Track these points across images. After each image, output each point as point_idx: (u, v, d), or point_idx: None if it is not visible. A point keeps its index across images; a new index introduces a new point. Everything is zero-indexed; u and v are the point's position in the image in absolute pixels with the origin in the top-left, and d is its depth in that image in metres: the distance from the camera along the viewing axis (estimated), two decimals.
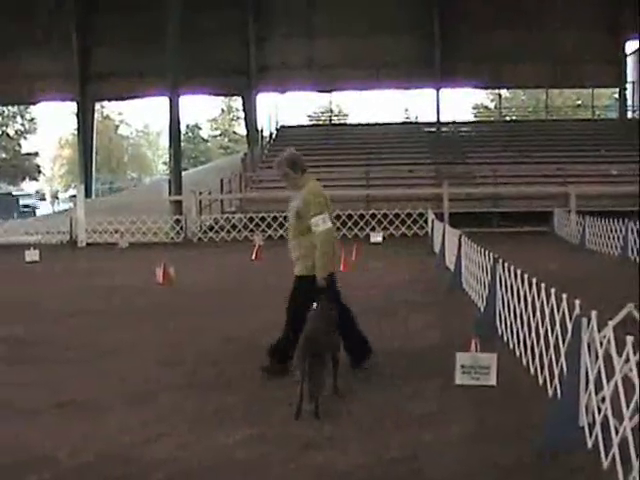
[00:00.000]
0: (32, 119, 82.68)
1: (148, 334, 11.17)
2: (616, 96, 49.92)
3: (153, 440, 6.48)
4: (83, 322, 12.29)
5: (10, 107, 76.89)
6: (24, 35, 44.77)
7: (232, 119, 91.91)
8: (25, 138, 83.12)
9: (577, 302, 6.33)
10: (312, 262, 8.21)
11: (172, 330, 11.43)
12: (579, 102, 67.37)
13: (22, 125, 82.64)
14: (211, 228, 31.31)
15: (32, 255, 23.31)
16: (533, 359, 8.12)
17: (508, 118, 56.52)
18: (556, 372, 7.12)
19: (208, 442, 6.42)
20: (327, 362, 7.20)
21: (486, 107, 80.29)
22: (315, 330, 7.20)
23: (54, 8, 44.83)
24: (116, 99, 55.85)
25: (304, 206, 8.36)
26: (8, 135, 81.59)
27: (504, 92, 69.18)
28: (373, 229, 29.02)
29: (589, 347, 5.92)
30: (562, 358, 6.82)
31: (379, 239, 27.46)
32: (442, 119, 45.97)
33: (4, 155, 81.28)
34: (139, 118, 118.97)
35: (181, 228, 30.55)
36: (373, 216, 29.95)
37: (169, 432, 6.68)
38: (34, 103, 58.82)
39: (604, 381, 5.74)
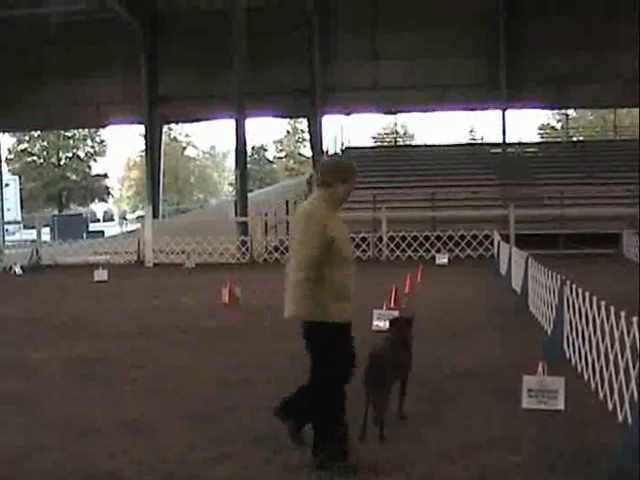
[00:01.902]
0: (102, 141, 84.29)
1: (212, 354, 11.22)
2: None
3: (217, 460, 6.48)
4: (147, 341, 12.42)
5: (80, 130, 78.52)
6: (93, 60, 45.76)
7: (297, 141, 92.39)
8: (95, 160, 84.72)
9: None
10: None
11: (235, 351, 11.46)
12: None
13: (92, 147, 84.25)
14: (276, 249, 31.41)
15: (100, 275, 23.67)
16: (602, 383, 7.96)
17: (575, 138, 55.78)
18: (626, 397, 6.97)
19: (273, 463, 6.40)
20: (392, 384, 7.10)
21: (553, 127, 79.42)
22: (382, 350, 7.11)
23: (122, 33, 45.76)
24: (183, 121, 56.62)
25: None
26: (79, 157, 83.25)
27: (571, 112, 68.40)
28: (439, 251, 28.83)
29: None
30: (632, 382, 6.66)
31: (445, 261, 27.27)
32: (508, 140, 45.58)
33: (75, 177, 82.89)
34: (206, 140, 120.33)
35: (247, 249, 30.72)
36: (438, 238, 29.76)
37: (233, 453, 6.68)
38: (104, 126, 59.96)
39: None
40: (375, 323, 12.50)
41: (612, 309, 7.66)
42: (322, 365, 6.32)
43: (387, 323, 7.68)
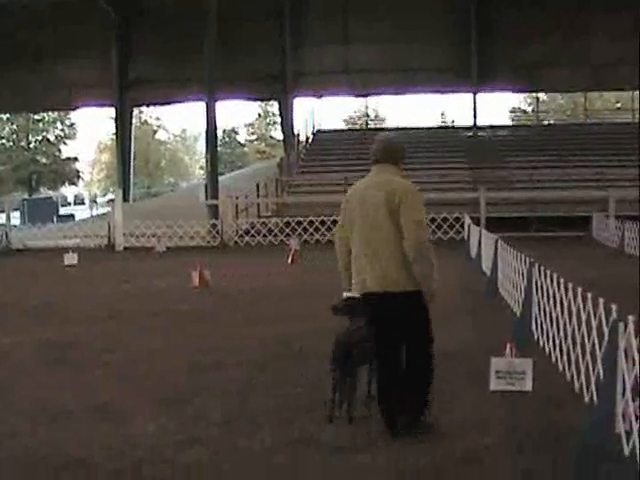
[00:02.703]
0: (72, 124, 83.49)
1: (183, 338, 11.22)
2: None
3: (187, 444, 6.49)
4: (118, 325, 12.39)
5: (50, 113, 77.80)
6: (64, 42, 45.35)
7: (269, 124, 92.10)
8: (65, 143, 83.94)
9: (614, 307, 6.25)
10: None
11: (206, 334, 11.46)
12: (619, 105, 66.71)
13: (62, 130, 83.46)
14: (247, 232, 31.41)
15: (70, 259, 23.56)
16: (569, 365, 8.04)
17: (546, 122, 56.05)
18: (592, 378, 7.05)
19: (241, 446, 6.41)
20: (359, 363, 7.10)
21: (524, 111, 79.68)
22: (348, 333, 7.10)
23: (94, 16, 45.35)
24: (154, 104, 56.35)
25: None
26: (48, 140, 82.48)
27: (542, 95, 68.65)
28: None
29: (626, 353, 5.84)
30: (599, 364, 6.74)
31: None
32: (479, 123, 45.75)
33: (44, 160, 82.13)
34: (177, 123, 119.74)
35: (217, 232, 30.68)
36: None
37: (203, 436, 6.68)
38: (74, 109, 59.48)
39: None
40: None
41: (579, 291, 7.74)
42: (425, 332, 6.67)
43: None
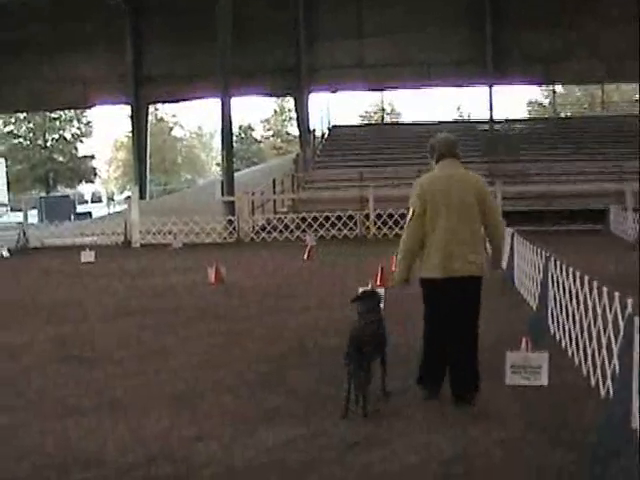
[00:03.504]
0: (88, 122, 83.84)
1: (197, 334, 11.20)
2: None
3: (199, 439, 6.47)
4: (133, 322, 12.38)
5: (67, 111, 78.07)
6: (78, 41, 45.44)
7: (284, 120, 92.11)
8: (81, 141, 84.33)
9: (629, 301, 6.17)
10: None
11: (221, 330, 11.44)
12: (637, 97, 66.25)
13: (78, 129, 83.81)
14: (263, 228, 31.39)
15: (87, 256, 23.61)
16: (585, 359, 7.97)
17: (563, 115, 55.77)
18: (609, 372, 6.98)
19: (254, 442, 6.39)
20: (373, 358, 7.10)
21: (540, 104, 79.36)
22: (361, 328, 7.12)
23: (107, 12, 45.46)
24: (169, 101, 56.37)
25: None
26: (65, 139, 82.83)
27: (558, 88, 68.32)
28: None
29: None
30: (615, 358, 6.67)
31: None
32: (495, 117, 45.56)
33: (61, 158, 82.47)
34: (193, 120, 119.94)
35: (234, 228, 30.69)
36: None
37: (215, 432, 6.66)
38: (89, 107, 59.63)
39: None
40: None
41: (595, 284, 7.66)
42: (479, 312, 7.37)
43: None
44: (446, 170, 7.32)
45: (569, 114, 58.89)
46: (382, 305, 7.89)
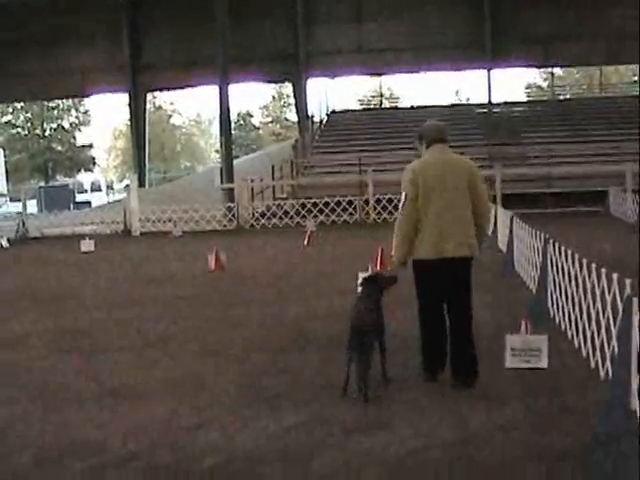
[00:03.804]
0: (86, 111, 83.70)
1: (197, 322, 11.21)
2: None
3: (200, 427, 6.48)
4: (133, 311, 12.39)
5: (65, 100, 77.91)
6: (75, 29, 45.38)
7: (283, 105, 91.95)
8: (80, 130, 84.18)
9: (628, 282, 6.17)
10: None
11: (221, 317, 11.45)
12: (635, 78, 66.11)
13: (77, 118, 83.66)
14: (263, 215, 31.38)
15: (87, 245, 23.60)
16: (585, 341, 7.98)
17: (562, 97, 55.63)
18: (608, 354, 6.98)
19: (255, 428, 6.40)
20: (371, 346, 7.12)
21: (539, 86, 79.18)
22: (361, 313, 7.14)
23: (105, 2, 45.32)
24: (167, 89, 56.25)
25: None
26: (63, 128, 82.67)
27: (557, 71, 68.13)
28: None
29: None
30: (613, 340, 6.67)
31: None
32: (494, 100, 45.48)
33: (60, 148, 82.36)
34: (191, 107, 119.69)
35: (233, 215, 30.68)
36: None
37: (216, 419, 6.68)
38: (87, 96, 59.54)
39: None
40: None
41: (593, 266, 7.66)
42: (471, 294, 7.44)
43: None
44: (437, 155, 7.44)
45: (568, 96, 58.69)
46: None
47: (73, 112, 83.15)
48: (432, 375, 7.42)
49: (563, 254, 9.08)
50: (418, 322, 7.54)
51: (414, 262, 7.42)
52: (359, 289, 7.73)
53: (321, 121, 44.02)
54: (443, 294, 7.33)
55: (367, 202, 30.04)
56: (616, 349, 6.32)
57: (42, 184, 74.08)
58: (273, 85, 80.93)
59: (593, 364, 7.56)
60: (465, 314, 7.37)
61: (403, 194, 7.37)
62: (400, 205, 7.45)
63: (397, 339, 8.56)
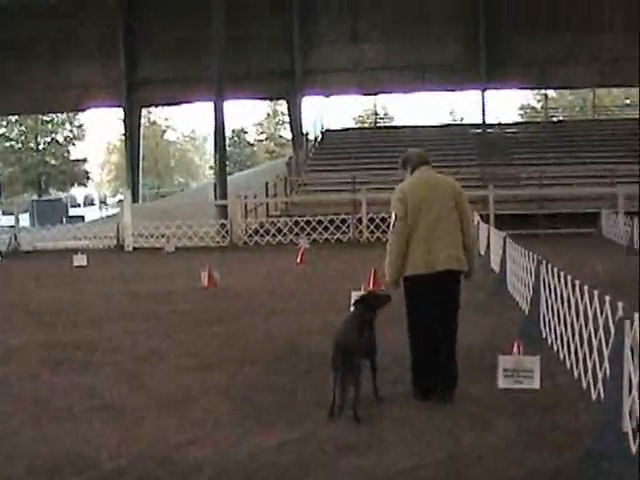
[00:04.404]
0: (80, 126, 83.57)
1: (190, 338, 11.20)
2: None
3: (192, 443, 6.49)
4: (125, 326, 12.37)
5: (59, 114, 77.91)
6: (71, 44, 45.42)
7: (278, 123, 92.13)
8: (74, 144, 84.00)
9: (620, 304, 6.21)
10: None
11: (214, 334, 11.45)
12: (628, 101, 66.46)
13: (71, 132, 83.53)
14: (256, 232, 31.35)
15: (80, 260, 23.54)
16: (577, 362, 8.00)
17: (555, 119, 55.87)
18: (600, 376, 7.01)
19: (246, 445, 6.41)
20: (359, 366, 7.11)
21: (532, 108, 79.53)
22: (345, 333, 7.18)
23: (100, 15, 45.45)
24: (162, 105, 56.31)
25: None
26: (57, 142, 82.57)
27: (551, 92, 68.47)
28: None
29: (632, 350, 5.80)
30: (606, 362, 6.70)
31: None
32: (488, 120, 45.66)
33: (53, 161, 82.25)
34: (186, 123, 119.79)
35: (227, 232, 30.65)
36: None
37: (207, 435, 6.68)
38: (82, 110, 59.54)
39: None
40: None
41: (585, 288, 7.70)
42: (458, 309, 7.61)
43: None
44: (424, 176, 7.77)
45: (561, 118, 58.95)
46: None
47: (67, 126, 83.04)
48: (423, 393, 7.46)
49: (555, 275, 9.12)
50: (408, 340, 7.62)
51: (405, 279, 7.55)
52: (352, 309, 7.77)
53: (315, 139, 44.09)
54: (434, 310, 7.42)
55: (360, 221, 30.06)
56: (608, 371, 6.35)
57: (35, 198, 73.97)
58: (268, 102, 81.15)
59: (585, 385, 7.59)
60: (452, 329, 7.52)
61: (393, 213, 7.58)
62: (391, 225, 7.63)
63: (388, 357, 8.57)
